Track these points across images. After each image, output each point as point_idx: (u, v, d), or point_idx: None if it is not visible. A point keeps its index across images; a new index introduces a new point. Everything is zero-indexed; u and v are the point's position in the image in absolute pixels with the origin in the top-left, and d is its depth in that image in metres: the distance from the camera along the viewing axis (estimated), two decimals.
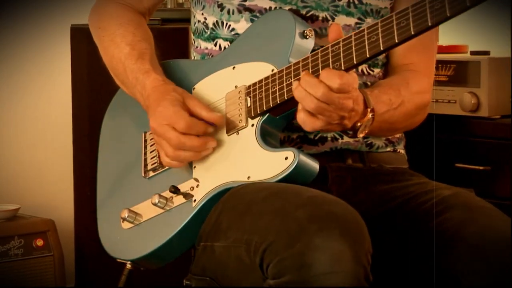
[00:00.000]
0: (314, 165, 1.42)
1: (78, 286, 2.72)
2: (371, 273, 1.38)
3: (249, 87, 1.48)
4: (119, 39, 1.63)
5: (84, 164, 2.65)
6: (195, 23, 1.67)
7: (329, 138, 1.56)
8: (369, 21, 1.57)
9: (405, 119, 1.58)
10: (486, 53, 2.34)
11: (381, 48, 1.35)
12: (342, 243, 1.27)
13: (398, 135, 1.65)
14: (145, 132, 1.60)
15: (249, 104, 1.48)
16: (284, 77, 1.45)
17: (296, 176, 1.40)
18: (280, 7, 1.56)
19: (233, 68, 1.55)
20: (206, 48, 1.64)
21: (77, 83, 2.72)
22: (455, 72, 2.29)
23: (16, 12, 2.89)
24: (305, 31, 1.49)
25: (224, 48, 1.63)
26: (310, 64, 1.44)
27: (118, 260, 1.61)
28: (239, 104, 1.50)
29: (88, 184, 2.55)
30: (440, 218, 1.44)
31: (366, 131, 1.47)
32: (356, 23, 1.56)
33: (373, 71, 1.58)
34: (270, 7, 1.58)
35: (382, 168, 1.62)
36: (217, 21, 1.61)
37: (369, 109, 1.43)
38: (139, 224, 1.58)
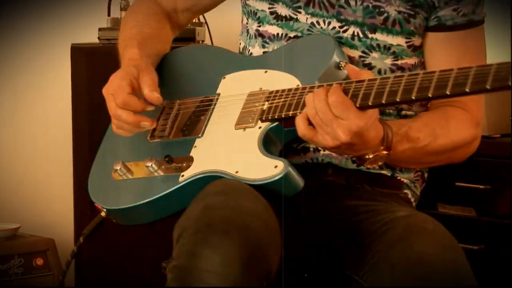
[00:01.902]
0: (299, 182, 1.43)
1: None
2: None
3: (271, 92, 1.50)
4: (132, 23, 1.72)
5: (84, 183, 2.59)
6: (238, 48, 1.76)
7: (311, 149, 1.57)
8: (375, 55, 1.57)
9: (434, 155, 1.57)
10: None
11: (397, 99, 1.34)
12: (237, 262, 1.29)
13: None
14: (166, 101, 1.62)
15: (264, 108, 1.49)
16: (305, 94, 1.46)
17: (279, 185, 1.42)
18: (287, 34, 1.58)
19: (265, 71, 1.57)
20: None
21: (77, 102, 2.68)
22: None
23: (16, 30, 2.88)
24: (341, 62, 1.49)
25: None
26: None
27: (96, 204, 1.64)
28: (256, 105, 1.51)
29: (88, 203, 2.55)
30: (382, 238, 1.44)
31: (375, 165, 1.48)
32: (360, 56, 1.56)
33: (382, 118, 1.54)
34: (278, 33, 1.60)
35: (361, 187, 1.62)
36: (245, 46, 1.67)
37: (382, 147, 1.43)
38: (126, 179, 1.60)
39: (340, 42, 1.57)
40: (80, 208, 2.58)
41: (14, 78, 2.91)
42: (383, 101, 1.33)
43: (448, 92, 1.27)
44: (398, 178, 1.60)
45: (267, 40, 1.63)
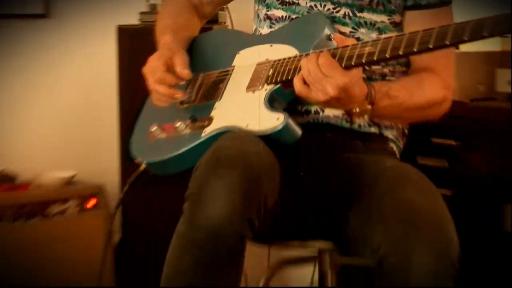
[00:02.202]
0: (298, 131, 1.48)
1: (123, 239, 2.79)
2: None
3: (275, 61, 1.54)
4: (166, 15, 1.83)
5: (128, 133, 2.36)
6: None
7: (312, 111, 1.61)
8: (363, 31, 1.60)
9: (411, 111, 1.60)
10: (456, 48, 2.25)
11: (387, 55, 1.38)
12: (239, 190, 1.35)
13: (389, 123, 1.67)
14: (192, 74, 1.66)
15: (269, 73, 1.54)
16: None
17: (281, 134, 1.49)
18: (290, 16, 1.66)
19: (271, 46, 1.63)
20: None
21: (122, 73, 2.70)
22: None
23: (65, 11, 2.91)
24: (331, 35, 1.54)
25: None
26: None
27: (137, 159, 1.75)
28: (263, 71, 1.56)
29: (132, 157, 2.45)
30: (373, 188, 1.49)
31: (362, 119, 1.55)
32: (350, 32, 1.60)
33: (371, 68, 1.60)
34: (283, 16, 1.66)
35: (354, 143, 1.63)
36: (256, 28, 1.72)
37: (367, 101, 1.47)
38: (160, 138, 1.68)
39: (334, 21, 1.60)
40: (125, 160, 2.71)
41: (61, 55, 2.90)
42: (363, 61, 1.38)
43: (415, 49, 1.32)
44: (385, 135, 1.64)
45: (274, 22, 1.67)
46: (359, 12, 1.59)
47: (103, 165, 2.97)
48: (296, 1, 1.63)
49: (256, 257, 2.17)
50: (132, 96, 2.52)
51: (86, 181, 2.81)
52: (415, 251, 1.36)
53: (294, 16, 1.64)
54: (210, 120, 1.60)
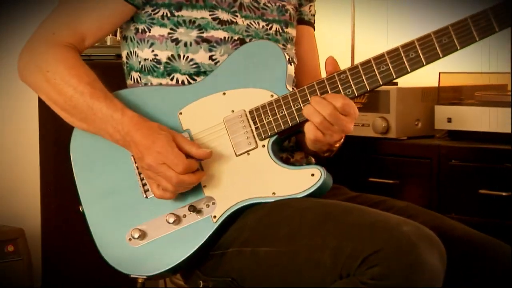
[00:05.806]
0: (331, 182, 1.41)
1: (44, 286, 2.75)
2: None
3: (251, 111, 1.44)
4: (76, 80, 1.48)
5: (50, 179, 2.70)
6: (139, 62, 1.55)
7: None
8: (289, 47, 1.61)
9: None
10: (395, 83, 2.43)
11: (394, 77, 1.38)
12: (440, 263, 1.30)
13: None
14: (132, 156, 1.46)
15: (255, 127, 1.44)
16: (291, 103, 1.44)
17: (318, 191, 1.39)
18: (232, 37, 1.51)
19: (224, 94, 1.48)
20: (161, 84, 1.54)
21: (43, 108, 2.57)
22: (368, 100, 2.44)
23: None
24: (289, 58, 1.50)
25: (183, 81, 1.53)
26: (317, 91, 1.43)
27: (132, 276, 1.49)
28: (243, 127, 1.45)
29: (53, 196, 2.68)
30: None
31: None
32: (282, 48, 1.53)
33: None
34: (224, 37, 1.53)
35: None
36: (172, 55, 1.51)
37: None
38: (149, 242, 1.47)
39: (268, 38, 1.58)
40: (46, 200, 2.71)
41: None
42: (380, 83, 1.39)
43: (440, 55, 1.38)
44: None
45: (214, 44, 1.54)
46: (285, 27, 1.60)
47: (22, 207, 2.89)
48: (234, 20, 1.55)
49: None
50: (56, 128, 2.46)
51: (5, 225, 2.70)
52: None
53: (236, 37, 1.54)
54: (209, 201, 1.43)
